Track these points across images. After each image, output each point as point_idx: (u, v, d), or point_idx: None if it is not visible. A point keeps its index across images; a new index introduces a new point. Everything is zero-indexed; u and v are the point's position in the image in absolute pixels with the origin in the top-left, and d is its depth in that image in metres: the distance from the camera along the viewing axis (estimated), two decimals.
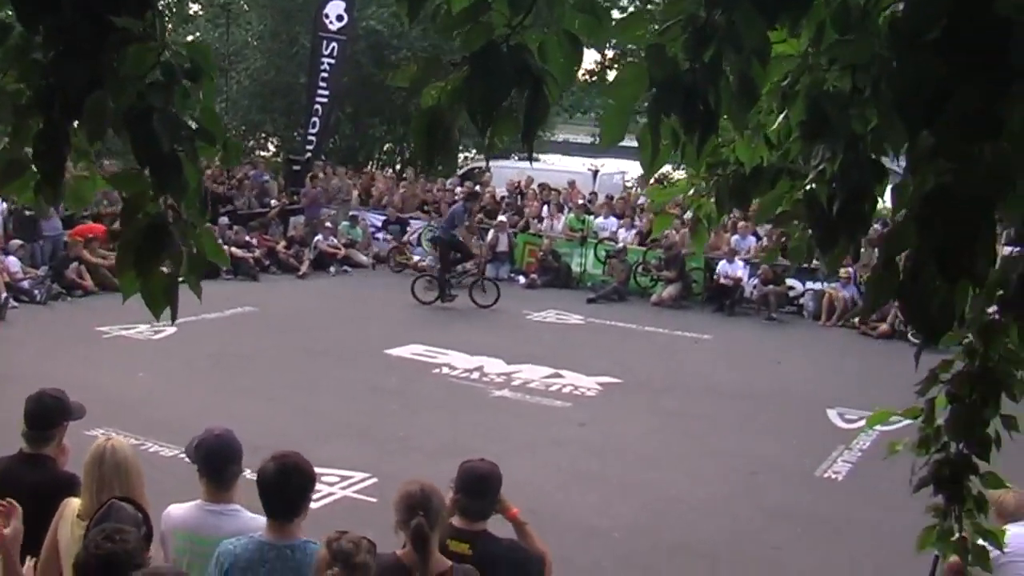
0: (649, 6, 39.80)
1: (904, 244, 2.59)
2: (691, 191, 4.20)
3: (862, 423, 16.00)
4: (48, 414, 6.49)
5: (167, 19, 4.14)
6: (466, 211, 25.74)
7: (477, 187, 31.76)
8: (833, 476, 13.67)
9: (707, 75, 2.79)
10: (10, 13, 3.11)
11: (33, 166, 3.18)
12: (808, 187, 3.63)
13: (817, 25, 3.00)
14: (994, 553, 4.59)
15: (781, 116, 3.38)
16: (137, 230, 2.89)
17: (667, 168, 39.49)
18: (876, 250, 17.69)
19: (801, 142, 3.34)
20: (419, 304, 24.32)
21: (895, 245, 2.63)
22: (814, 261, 4.07)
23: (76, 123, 3.08)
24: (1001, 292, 2.93)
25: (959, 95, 2.14)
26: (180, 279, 3.07)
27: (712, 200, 4.18)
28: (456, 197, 28.56)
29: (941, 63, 2.18)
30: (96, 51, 2.91)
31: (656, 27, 2.91)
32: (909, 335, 22.68)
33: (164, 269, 3.01)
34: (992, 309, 3.36)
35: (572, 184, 31.44)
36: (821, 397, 17.52)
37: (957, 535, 4.42)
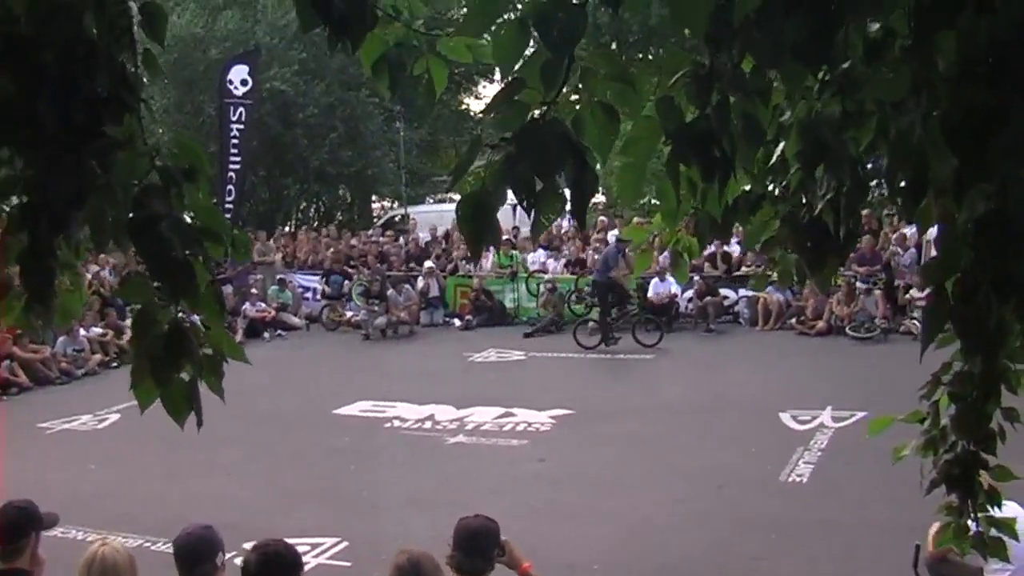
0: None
1: (952, 269, 2.62)
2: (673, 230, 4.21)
3: (816, 423, 16.18)
4: (16, 526, 6.31)
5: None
6: (619, 252, 24.70)
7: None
8: (797, 479, 13.75)
9: (720, 120, 2.81)
10: None
11: (19, 285, 3.11)
12: (789, 211, 3.66)
13: None
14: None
15: (780, 147, 3.40)
16: (154, 340, 2.84)
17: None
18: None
19: (801, 172, 3.36)
20: (360, 358, 24.28)
21: (942, 272, 2.66)
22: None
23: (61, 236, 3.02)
24: None
25: (1015, 123, 2.18)
26: None
27: (690, 234, 4.20)
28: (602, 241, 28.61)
29: (991, 94, 2.22)
30: (78, 162, 2.86)
31: (656, 80, 2.93)
32: (847, 330, 22.95)
33: (184, 375, 2.95)
34: None
35: None
36: (772, 401, 17.65)
37: (974, 530, 4.46)
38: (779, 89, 3.20)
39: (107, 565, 5.47)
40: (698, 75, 2.81)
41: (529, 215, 2.73)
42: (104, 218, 2.81)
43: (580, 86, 2.80)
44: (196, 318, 2.99)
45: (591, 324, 24.63)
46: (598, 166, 2.97)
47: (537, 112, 2.70)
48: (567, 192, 2.77)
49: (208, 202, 2.98)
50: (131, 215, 2.81)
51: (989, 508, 4.43)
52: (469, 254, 2.99)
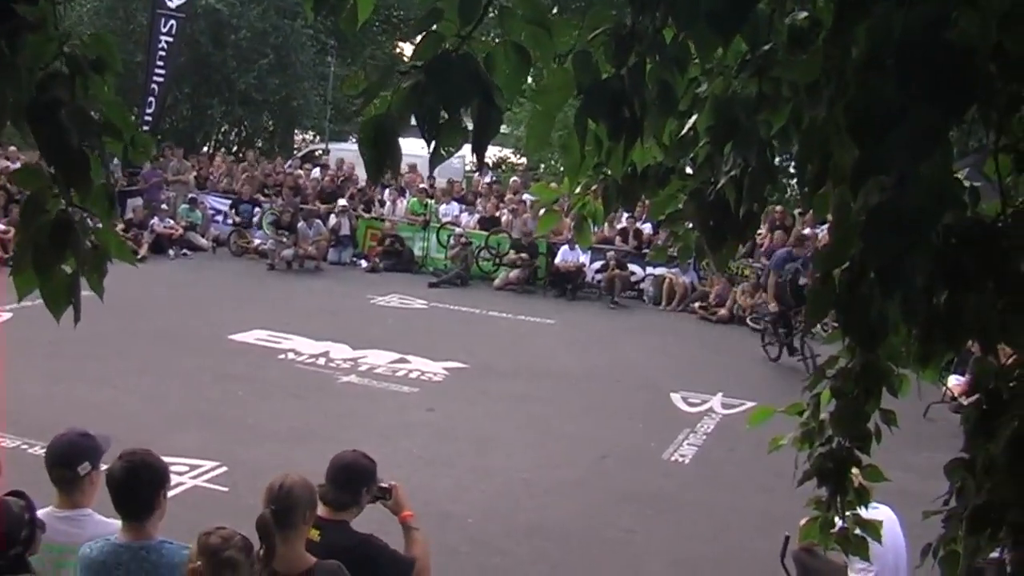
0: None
1: (840, 259, 2.66)
2: (576, 189, 4.22)
3: (705, 407, 16.36)
4: None
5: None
6: (791, 259, 21.14)
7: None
8: (680, 459, 13.90)
9: (634, 82, 2.81)
10: None
11: None
12: (696, 187, 3.69)
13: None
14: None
15: (692, 120, 3.42)
16: (39, 228, 2.79)
17: (507, 152, 39.42)
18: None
19: (709, 147, 3.38)
20: (263, 287, 24.18)
21: (832, 260, 2.70)
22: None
23: None
24: None
25: (912, 117, 2.20)
26: None
27: (598, 199, 4.21)
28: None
29: (895, 87, 2.24)
30: None
31: (578, 34, 2.93)
32: (748, 320, 23.17)
33: (66, 268, 2.90)
34: None
35: (413, 168, 30.98)
36: (665, 381, 17.83)
37: (839, 526, 4.53)
38: (698, 63, 3.22)
39: None
40: (619, 34, 2.82)
41: (430, 145, 2.72)
42: (5, 99, 2.74)
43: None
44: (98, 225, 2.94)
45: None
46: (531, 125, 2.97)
47: (451, 45, 2.68)
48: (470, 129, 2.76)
49: (113, 96, 2.91)
50: (32, 99, 2.74)
51: (857, 506, 4.51)
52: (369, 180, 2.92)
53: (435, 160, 2.73)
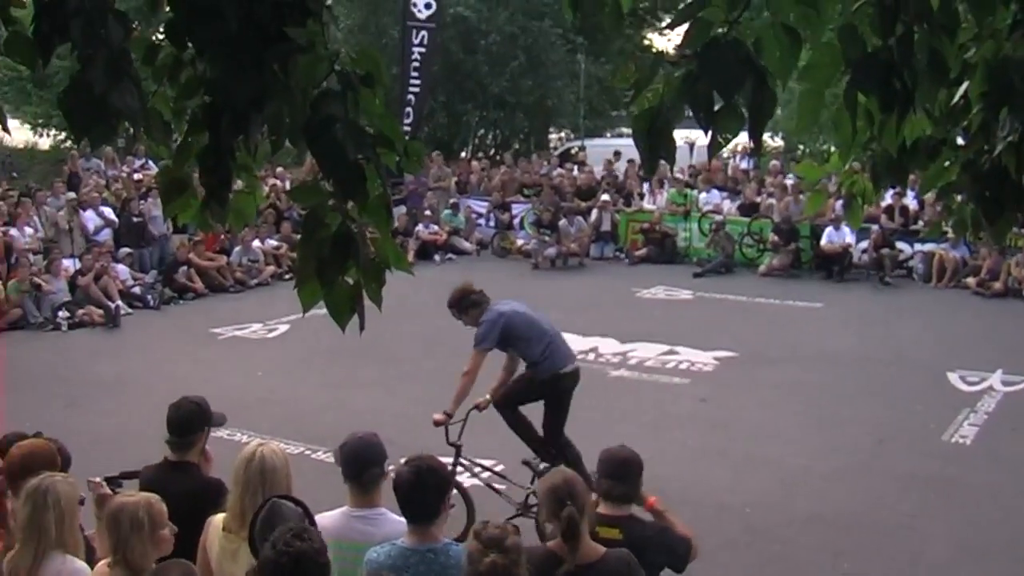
0: None
1: None
2: (845, 167, 4.14)
3: (984, 385, 15.80)
4: (189, 420, 6.58)
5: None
6: None
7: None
8: (961, 440, 13.47)
9: (903, 52, 2.75)
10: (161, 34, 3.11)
11: (197, 183, 3.18)
12: (969, 158, 3.58)
13: None
14: None
15: (963, 87, 3.32)
16: (320, 241, 2.89)
17: (765, 136, 38.75)
18: None
19: (983, 113, 3.27)
20: (528, 286, 24.40)
21: None
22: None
23: (240, 138, 3.07)
24: None
25: None
26: None
27: (866, 176, 4.12)
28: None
29: None
30: (260, 64, 2.89)
31: (841, 8, 2.87)
32: None
33: (347, 279, 3.00)
34: None
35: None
36: (940, 360, 17.26)
37: None
38: (965, 27, 3.11)
39: (266, 466, 5.62)
40: (883, 4, 2.75)
41: (707, 133, 2.70)
42: (282, 120, 2.86)
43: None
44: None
45: None
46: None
47: (720, 31, 2.66)
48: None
49: (383, 109, 3.00)
50: (308, 118, 2.85)
51: None
52: (642, 172, 2.90)
53: (714, 147, 2.73)
